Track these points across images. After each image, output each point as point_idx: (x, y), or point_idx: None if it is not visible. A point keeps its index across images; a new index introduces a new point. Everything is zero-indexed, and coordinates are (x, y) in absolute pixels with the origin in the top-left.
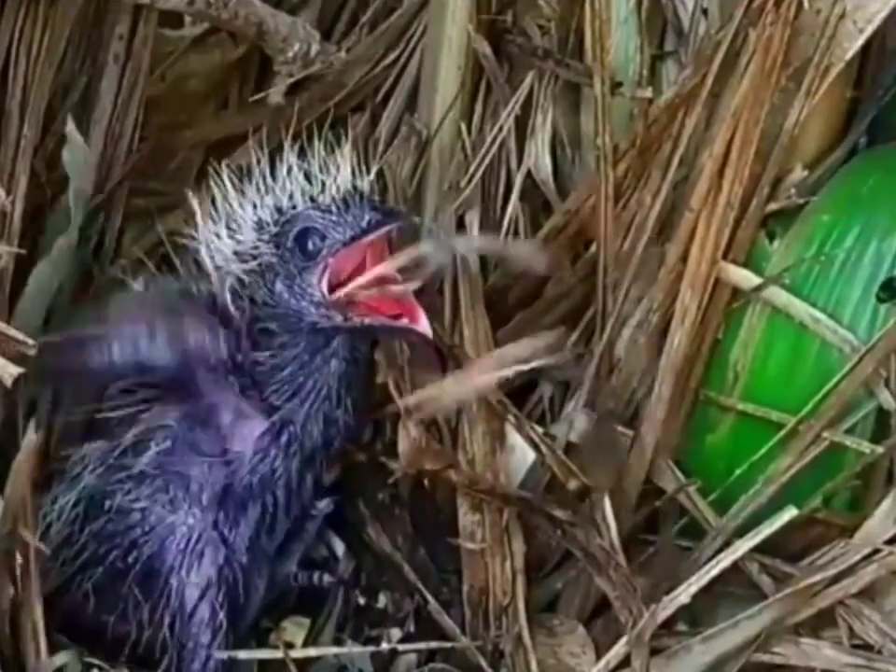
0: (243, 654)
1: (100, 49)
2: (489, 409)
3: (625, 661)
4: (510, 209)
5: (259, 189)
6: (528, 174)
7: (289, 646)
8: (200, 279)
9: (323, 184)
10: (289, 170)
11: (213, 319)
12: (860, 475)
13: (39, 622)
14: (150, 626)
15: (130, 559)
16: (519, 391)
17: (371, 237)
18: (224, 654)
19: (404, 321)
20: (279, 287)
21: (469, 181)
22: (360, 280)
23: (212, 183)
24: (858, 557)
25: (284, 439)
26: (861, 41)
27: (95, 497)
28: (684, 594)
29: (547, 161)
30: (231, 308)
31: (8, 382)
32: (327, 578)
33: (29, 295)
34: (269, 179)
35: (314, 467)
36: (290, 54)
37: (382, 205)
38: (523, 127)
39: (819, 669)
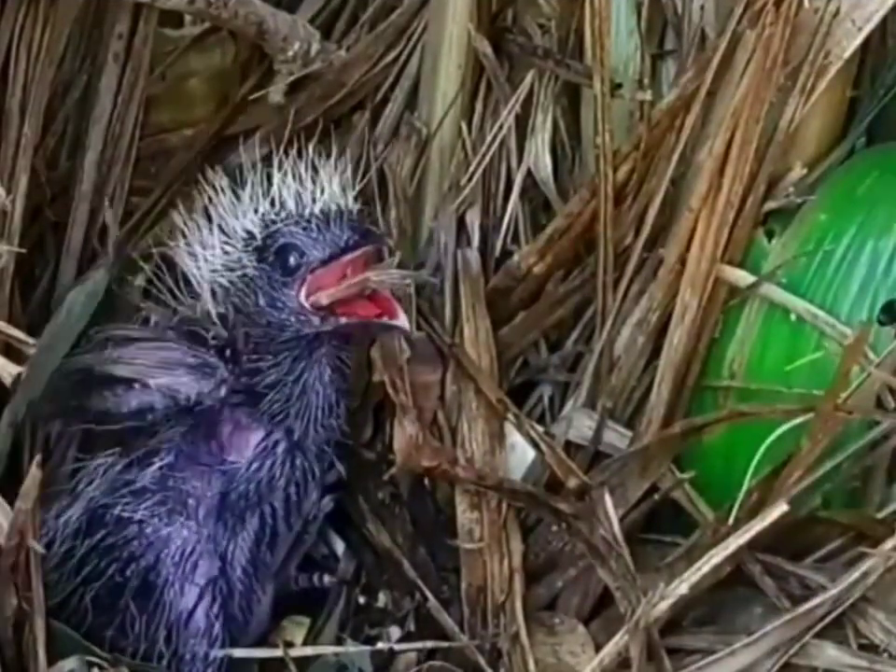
0: (240, 652)
1: (100, 49)
2: (489, 407)
3: (625, 662)
4: (510, 208)
5: (252, 199)
6: (528, 173)
7: (289, 645)
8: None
9: (311, 198)
10: (283, 180)
11: (210, 360)
12: (860, 475)
13: (41, 635)
14: (147, 639)
15: (128, 572)
16: (519, 390)
17: (348, 257)
18: (221, 652)
19: (383, 318)
20: (261, 299)
21: (470, 180)
22: (340, 287)
23: (204, 190)
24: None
25: (281, 447)
26: (859, 40)
27: (97, 511)
28: (683, 585)
29: (547, 160)
30: (220, 326)
31: (8, 381)
32: (327, 578)
33: (60, 320)
34: (263, 188)
35: (314, 477)
36: (290, 53)
37: (361, 225)
38: (523, 126)
39: (822, 669)
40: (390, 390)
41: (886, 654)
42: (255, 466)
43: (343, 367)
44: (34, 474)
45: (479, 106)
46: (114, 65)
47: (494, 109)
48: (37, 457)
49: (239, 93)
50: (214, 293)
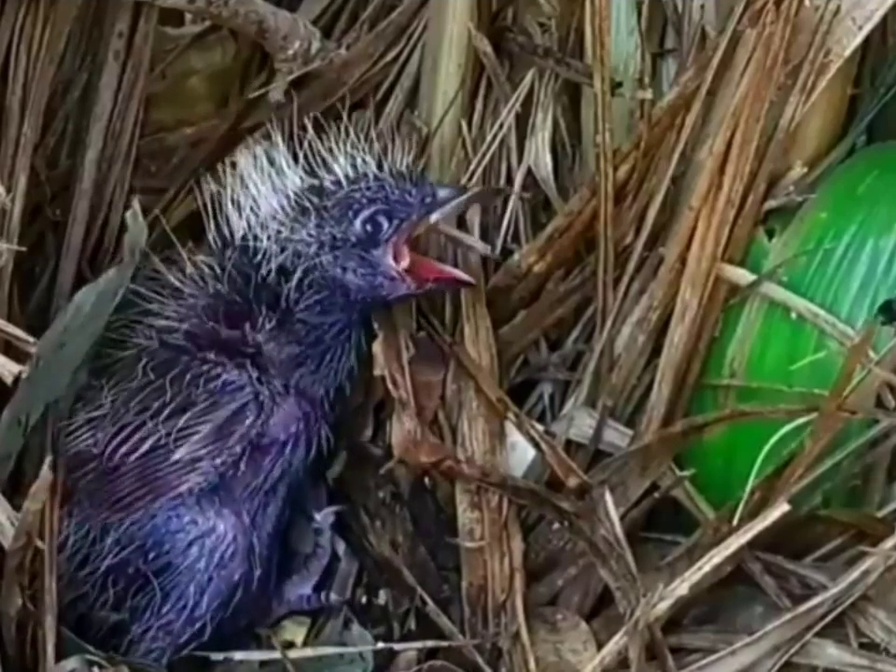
0: (241, 655)
1: (100, 47)
2: (489, 406)
3: (626, 661)
4: (510, 207)
5: (292, 171)
6: (528, 171)
7: (290, 645)
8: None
9: (378, 161)
10: (340, 146)
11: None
12: (860, 473)
13: (51, 634)
14: (147, 617)
15: (150, 560)
16: (519, 389)
17: (435, 216)
18: (220, 655)
19: (455, 276)
20: (335, 266)
21: (470, 179)
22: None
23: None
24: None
25: (312, 419)
26: (859, 38)
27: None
28: (682, 586)
29: (547, 159)
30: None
31: (9, 380)
32: (334, 597)
33: (67, 319)
34: (308, 159)
35: (322, 436)
36: (291, 52)
37: (440, 184)
38: (523, 125)
39: (822, 668)
40: (390, 385)
41: (886, 653)
42: (291, 443)
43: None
44: (45, 476)
45: (479, 105)
46: (114, 64)
47: (494, 108)
48: (48, 459)
49: (240, 92)
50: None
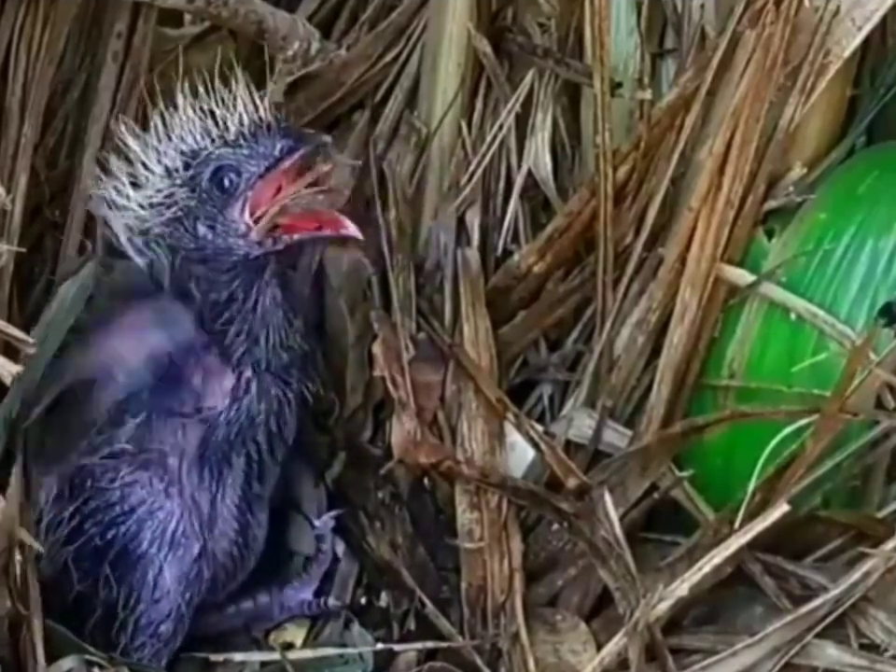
0: (241, 656)
1: (99, 47)
2: (489, 407)
3: (624, 662)
4: (510, 207)
5: (158, 138)
6: (528, 172)
7: (290, 646)
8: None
9: (225, 120)
10: (186, 112)
11: (179, 313)
12: (860, 474)
13: (38, 635)
14: (122, 608)
15: (108, 536)
16: (519, 389)
17: (285, 165)
18: (221, 657)
19: (327, 231)
20: (202, 229)
21: (470, 179)
22: (280, 201)
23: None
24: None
25: (255, 385)
26: (859, 39)
27: (77, 476)
28: (682, 586)
29: (547, 160)
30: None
31: (8, 380)
32: (332, 602)
33: (52, 314)
34: (168, 125)
35: (290, 403)
36: (290, 52)
37: (291, 131)
38: (523, 125)
39: (823, 669)
40: (390, 385)
41: (886, 654)
42: (233, 409)
43: (289, 282)
44: (15, 485)
45: (479, 105)
46: (113, 64)
47: (494, 108)
48: (16, 469)
49: None
50: (146, 243)
